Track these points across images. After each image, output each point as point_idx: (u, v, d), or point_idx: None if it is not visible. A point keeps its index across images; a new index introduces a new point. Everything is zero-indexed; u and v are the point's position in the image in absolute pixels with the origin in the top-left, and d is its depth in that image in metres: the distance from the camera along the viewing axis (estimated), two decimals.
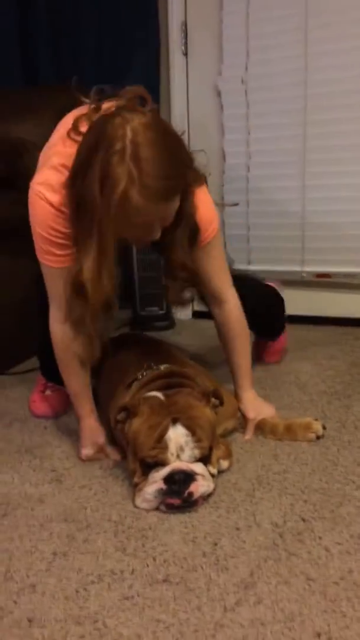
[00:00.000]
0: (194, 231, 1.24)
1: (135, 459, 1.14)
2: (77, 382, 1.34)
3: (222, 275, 1.36)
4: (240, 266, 2.30)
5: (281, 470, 1.23)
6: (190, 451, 1.10)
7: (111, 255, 1.10)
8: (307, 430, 1.35)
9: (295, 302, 2.30)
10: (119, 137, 1.00)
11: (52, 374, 1.46)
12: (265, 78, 2.19)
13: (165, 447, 1.09)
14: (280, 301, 1.82)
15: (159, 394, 1.19)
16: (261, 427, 1.39)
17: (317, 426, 1.36)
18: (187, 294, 1.36)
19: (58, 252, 1.19)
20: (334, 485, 1.16)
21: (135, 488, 1.13)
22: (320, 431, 1.35)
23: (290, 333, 1.93)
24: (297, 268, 2.28)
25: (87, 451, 1.32)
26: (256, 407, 1.42)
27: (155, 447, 1.10)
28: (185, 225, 1.21)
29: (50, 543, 1.03)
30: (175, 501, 1.08)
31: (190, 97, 2.37)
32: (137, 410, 1.16)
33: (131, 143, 1.00)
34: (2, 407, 1.63)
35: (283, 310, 1.83)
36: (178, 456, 1.09)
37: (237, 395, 1.43)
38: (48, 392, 1.59)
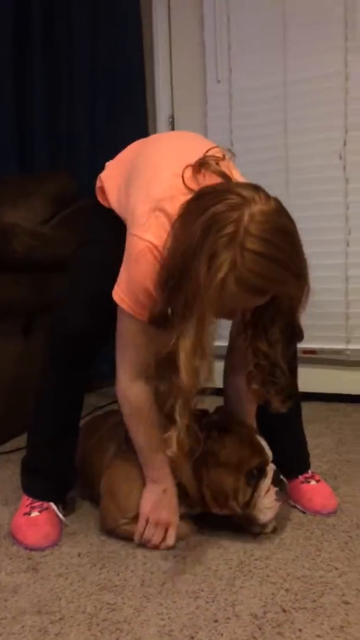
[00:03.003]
0: (297, 334, 1.20)
1: (239, 475, 1.22)
2: (155, 437, 1.19)
3: None
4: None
5: (264, 556, 1.20)
6: (270, 450, 1.26)
7: (208, 333, 1.05)
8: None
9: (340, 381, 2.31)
10: (234, 220, 0.98)
11: (41, 487, 1.37)
12: (248, 166, 2.30)
13: (264, 452, 1.24)
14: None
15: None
16: None
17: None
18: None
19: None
20: (317, 572, 1.13)
21: (246, 508, 1.22)
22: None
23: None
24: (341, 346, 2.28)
25: (174, 518, 1.24)
26: None
27: (258, 452, 1.24)
28: (283, 322, 1.16)
29: (22, 638, 0.99)
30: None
31: None
32: (227, 427, 1.26)
33: (244, 231, 0.98)
34: None
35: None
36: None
37: None
38: (35, 514, 1.33)
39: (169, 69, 2.47)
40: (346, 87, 2.17)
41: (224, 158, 1.21)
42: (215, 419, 1.29)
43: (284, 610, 1.02)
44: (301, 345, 2.22)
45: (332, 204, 2.20)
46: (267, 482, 1.23)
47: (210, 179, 1.17)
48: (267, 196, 1.04)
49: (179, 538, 1.25)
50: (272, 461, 1.26)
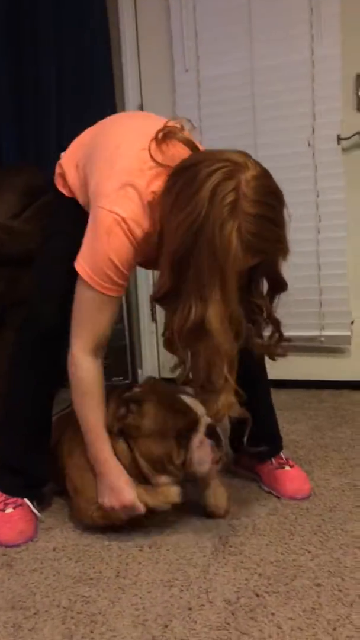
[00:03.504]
0: (281, 284, 1.23)
1: (167, 440, 1.23)
2: (99, 417, 1.24)
3: None
4: None
5: (238, 543, 1.21)
6: (202, 407, 1.23)
7: (236, 300, 1.09)
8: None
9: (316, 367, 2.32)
10: (233, 188, 1.02)
11: (14, 483, 1.35)
12: None
13: (193, 411, 1.23)
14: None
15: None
16: None
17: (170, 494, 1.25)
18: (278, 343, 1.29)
19: (120, 281, 1.20)
20: (290, 556, 1.15)
21: (185, 468, 1.23)
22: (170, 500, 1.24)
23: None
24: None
25: (130, 495, 1.21)
26: None
27: (187, 412, 1.23)
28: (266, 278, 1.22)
29: None
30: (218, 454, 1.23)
31: None
32: (144, 398, 1.26)
33: (243, 196, 1.02)
34: None
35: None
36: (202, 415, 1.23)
37: None
38: (9, 510, 1.32)
39: (137, 59, 2.44)
40: (312, 74, 2.17)
41: (182, 129, 1.23)
42: (132, 393, 1.29)
43: (257, 595, 1.03)
44: None
45: (302, 191, 2.20)
46: (199, 436, 1.23)
47: (175, 149, 1.19)
48: (254, 161, 1.09)
49: (168, 502, 1.24)
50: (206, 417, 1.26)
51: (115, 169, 1.19)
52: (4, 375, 1.39)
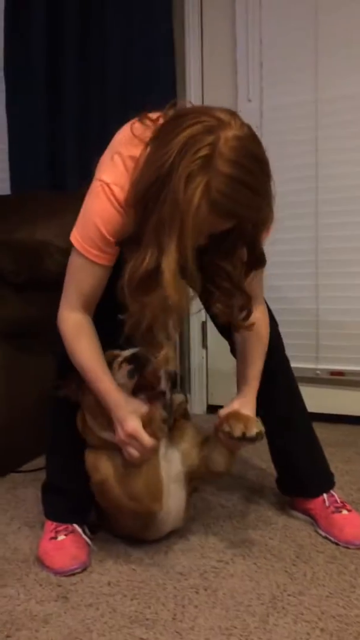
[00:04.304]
0: (259, 258, 1.22)
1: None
2: (92, 356, 1.25)
3: (259, 293, 1.36)
4: None
5: (297, 592, 1.17)
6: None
7: (192, 256, 1.08)
8: (241, 423, 1.22)
9: (310, 399, 2.28)
10: (209, 143, 1.01)
11: (62, 508, 1.39)
12: (278, 185, 2.29)
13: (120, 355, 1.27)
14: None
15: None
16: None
17: (253, 427, 1.21)
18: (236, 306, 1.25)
19: (105, 248, 1.21)
20: (352, 611, 1.11)
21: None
22: (253, 432, 1.20)
23: None
24: (311, 365, 2.29)
25: (132, 422, 1.20)
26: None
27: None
28: (244, 247, 1.19)
29: None
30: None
31: None
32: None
33: (219, 153, 1.00)
34: (12, 509, 1.61)
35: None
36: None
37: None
38: (62, 537, 1.33)
39: (201, 87, 2.47)
40: None
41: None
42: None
43: None
44: (330, 367, 2.26)
45: None
46: (118, 360, 1.28)
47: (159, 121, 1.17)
48: (242, 122, 1.06)
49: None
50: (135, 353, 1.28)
51: (110, 145, 1.24)
52: (48, 398, 1.41)
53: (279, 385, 1.47)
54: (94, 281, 1.25)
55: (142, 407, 1.24)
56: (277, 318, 2.30)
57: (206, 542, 1.39)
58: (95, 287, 1.26)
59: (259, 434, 1.21)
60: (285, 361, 1.53)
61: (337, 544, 1.35)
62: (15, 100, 2.59)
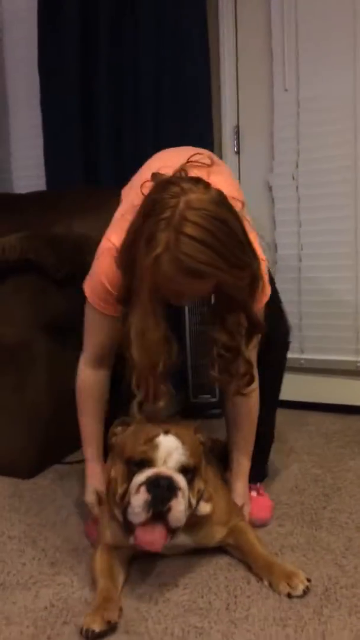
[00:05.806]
0: (255, 326, 1.24)
1: (120, 462, 1.18)
2: (92, 424, 1.41)
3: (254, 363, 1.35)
4: (293, 355, 2.30)
5: (349, 584, 1.17)
6: (178, 456, 1.13)
7: (154, 315, 1.15)
8: (284, 581, 1.14)
9: (352, 391, 2.29)
10: (171, 206, 1.07)
11: None
12: (316, 174, 2.27)
13: (155, 447, 1.14)
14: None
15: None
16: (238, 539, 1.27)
17: (298, 582, 1.14)
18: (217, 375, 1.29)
19: (111, 301, 1.29)
20: None
21: (119, 501, 1.15)
22: (299, 590, 1.13)
23: (349, 425, 1.88)
24: (351, 358, 2.27)
25: (89, 498, 1.39)
26: (245, 498, 1.44)
27: (146, 445, 1.14)
28: (242, 316, 1.21)
29: None
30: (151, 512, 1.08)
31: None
32: (132, 422, 1.27)
33: (180, 215, 1.06)
34: (59, 499, 1.63)
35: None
36: (165, 462, 1.13)
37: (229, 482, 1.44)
38: None
39: (236, 78, 2.45)
40: None
41: (212, 164, 1.31)
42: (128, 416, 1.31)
43: None
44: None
45: None
46: (141, 477, 1.11)
47: None
48: (208, 187, 1.11)
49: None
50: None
51: (123, 202, 1.38)
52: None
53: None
54: (107, 331, 1.34)
55: (102, 487, 1.33)
56: (316, 311, 2.32)
57: None
58: (110, 337, 1.34)
59: (305, 591, 1.13)
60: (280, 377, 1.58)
61: None
62: (49, 99, 2.61)
